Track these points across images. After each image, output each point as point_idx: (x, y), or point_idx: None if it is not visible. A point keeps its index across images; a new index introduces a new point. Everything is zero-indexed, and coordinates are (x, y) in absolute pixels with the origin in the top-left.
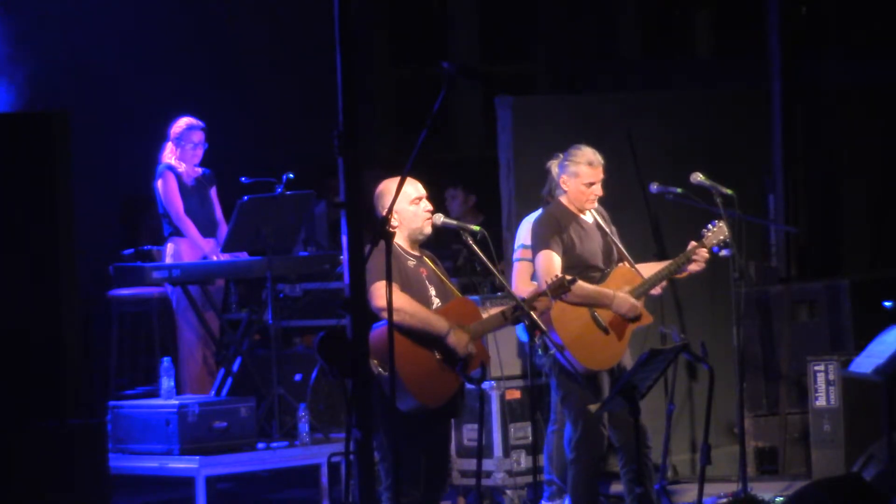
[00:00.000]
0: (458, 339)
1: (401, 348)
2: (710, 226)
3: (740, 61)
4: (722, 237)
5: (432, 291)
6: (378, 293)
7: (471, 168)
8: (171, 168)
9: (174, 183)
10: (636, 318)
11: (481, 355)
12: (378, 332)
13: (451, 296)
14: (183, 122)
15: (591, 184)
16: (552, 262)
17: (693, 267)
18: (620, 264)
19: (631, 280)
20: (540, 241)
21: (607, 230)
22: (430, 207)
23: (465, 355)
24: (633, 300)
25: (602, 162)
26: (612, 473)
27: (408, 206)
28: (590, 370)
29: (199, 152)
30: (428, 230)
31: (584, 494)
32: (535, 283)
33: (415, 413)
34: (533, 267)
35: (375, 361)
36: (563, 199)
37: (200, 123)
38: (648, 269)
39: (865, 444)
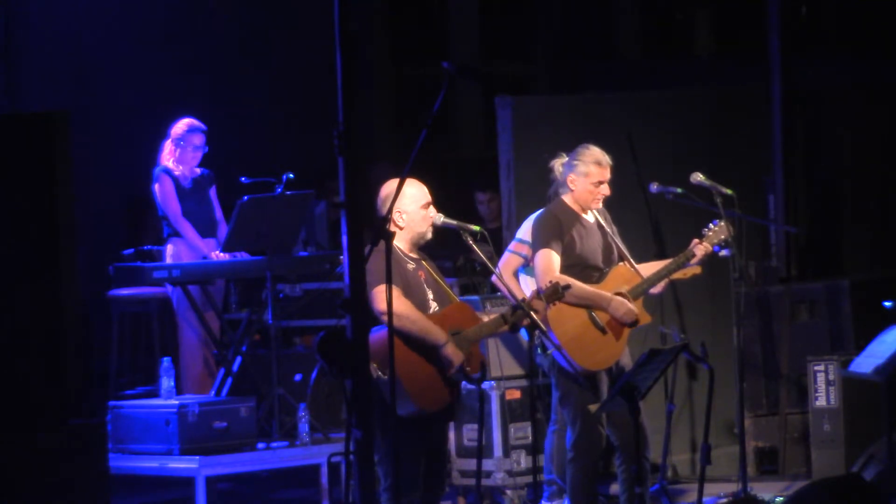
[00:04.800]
0: (451, 354)
1: (400, 353)
2: (711, 225)
3: (740, 61)
4: (723, 236)
5: (430, 295)
6: (380, 297)
7: (470, 168)
8: (167, 171)
9: (171, 186)
10: (633, 324)
11: (478, 359)
12: (377, 335)
13: (448, 299)
14: (184, 123)
15: (600, 183)
16: (551, 262)
17: (693, 266)
18: (620, 264)
19: (630, 280)
20: (540, 240)
21: (608, 230)
22: (434, 214)
23: (454, 373)
24: (629, 305)
25: (610, 162)
26: (612, 474)
27: (418, 209)
28: (588, 370)
29: (199, 155)
30: (429, 236)
31: (582, 494)
32: (523, 275)
33: (413, 416)
34: (521, 261)
35: (375, 365)
36: (567, 198)
37: (202, 126)
38: (648, 269)
39: (865, 444)
